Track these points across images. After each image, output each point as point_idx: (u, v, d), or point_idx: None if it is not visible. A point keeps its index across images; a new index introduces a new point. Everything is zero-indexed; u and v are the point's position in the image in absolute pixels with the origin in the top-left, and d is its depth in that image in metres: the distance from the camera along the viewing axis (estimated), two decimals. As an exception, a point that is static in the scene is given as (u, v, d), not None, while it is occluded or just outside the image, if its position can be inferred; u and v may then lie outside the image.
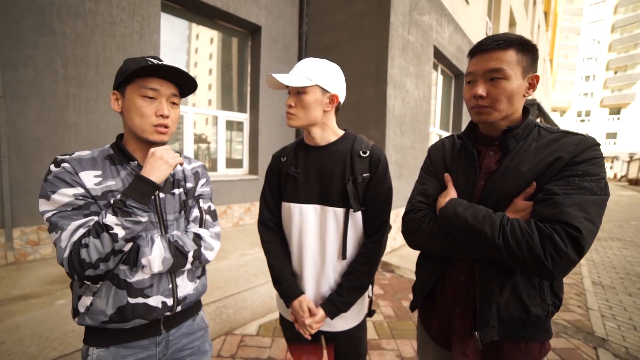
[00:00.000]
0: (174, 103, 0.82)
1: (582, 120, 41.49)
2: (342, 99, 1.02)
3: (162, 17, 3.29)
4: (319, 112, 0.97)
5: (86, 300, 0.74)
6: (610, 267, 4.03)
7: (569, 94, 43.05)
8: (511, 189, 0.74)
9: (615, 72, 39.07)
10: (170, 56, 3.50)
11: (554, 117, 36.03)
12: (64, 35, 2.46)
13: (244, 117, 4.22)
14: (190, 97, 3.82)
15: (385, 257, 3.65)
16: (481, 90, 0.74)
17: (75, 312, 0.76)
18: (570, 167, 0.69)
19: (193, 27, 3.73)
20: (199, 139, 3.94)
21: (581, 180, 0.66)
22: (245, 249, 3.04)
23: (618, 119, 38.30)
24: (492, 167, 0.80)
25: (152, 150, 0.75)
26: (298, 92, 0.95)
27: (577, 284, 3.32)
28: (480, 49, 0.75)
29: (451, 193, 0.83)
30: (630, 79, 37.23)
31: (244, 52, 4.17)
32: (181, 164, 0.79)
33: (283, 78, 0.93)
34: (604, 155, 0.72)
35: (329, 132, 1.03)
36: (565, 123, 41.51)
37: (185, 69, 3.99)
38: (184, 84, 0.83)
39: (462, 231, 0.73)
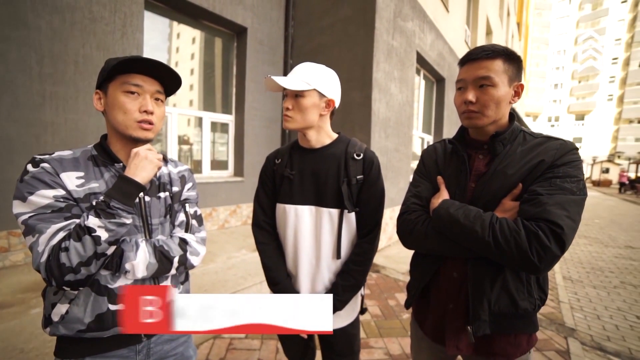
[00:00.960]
0: (158, 99, 0.79)
1: (552, 125, 44.25)
2: (337, 103, 1.05)
3: (147, 16, 3.21)
4: (315, 116, 1.00)
5: (61, 309, 0.70)
6: (578, 262, 4.32)
7: (540, 100, 45.77)
8: (499, 190, 0.79)
9: (579, 82, 42.03)
10: (150, 55, 3.40)
11: (528, 121, 38.13)
12: (39, 29, 2.33)
13: (229, 119, 4.17)
14: (172, 98, 3.73)
15: (371, 258, 3.71)
16: (471, 96, 0.80)
17: (48, 322, 0.71)
18: (552, 170, 0.74)
19: (174, 25, 3.64)
20: (183, 141, 3.85)
21: (562, 182, 0.72)
22: (232, 251, 3.00)
23: (583, 124, 41.19)
24: (481, 170, 0.85)
25: (135, 150, 0.73)
26: (296, 95, 0.97)
27: (550, 279, 3.52)
28: (470, 58, 0.81)
29: (444, 195, 0.87)
30: (592, 89, 40.23)
31: (229, 53, 4.13)
32: (159, 167, 0.77)
33: (283, 81, 0.94)
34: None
35: (323, 135, 1.06)
36: (538, 128, 44.07)
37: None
38: (169, 81, 0.81)
39: (454, 230, 0.78)
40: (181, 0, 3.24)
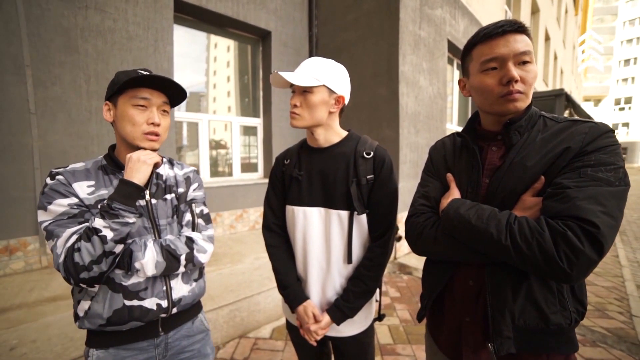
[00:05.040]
0: (164, 111, 0.85)
1: (622, 109, 38.20)
2: (347, 100, 1.00)
3: (180, 29, 3.44)
4: (324, 113, 0.95)
5: (84, 305, 0.78)
6: (658, 268, 3.64)
7: (604, 81, 39.86)
8: (518, 185, 0.68)
9: (660, 53, 35.71)
10: (186, 66, 3.64)
11: (587, 107, 33.47)
12: (87, 53, 2.63)
13: (257, 122, 4.30)
14: (211, 104, 3.96)
15: (402, 259, 3.54)
16: (517, 73, 0.67)
17: (76, 317, 0.80)
18: (582, 157, 0.62)
19: (210, 36, 3.87)
20: (214, 145, 4.05)
21: (595, 171, 0.60)
22: (260, 252, 3.07)
23: (665, 104, 34.94)
24: (495, 163, 0.74)
25: (128, 155, 0.78)
26: (304, 92, 0.93)
27: (617, 288, 3.03)
28: (505, 31, 0.68)
29: (454, 193, 0.77)
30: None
31: (255, 58, 4.25)
32: (158, 164, 0.82)
33: (290, 77, 0.90)
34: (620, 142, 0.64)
35: (332, 133, 1.01)
36: (601, 113, 38.48)
37: (199, 78, 3.96)
38: (174, 94, 0.85)
39: (466, 233, 0.68)
40: (206, 11, 3.41)
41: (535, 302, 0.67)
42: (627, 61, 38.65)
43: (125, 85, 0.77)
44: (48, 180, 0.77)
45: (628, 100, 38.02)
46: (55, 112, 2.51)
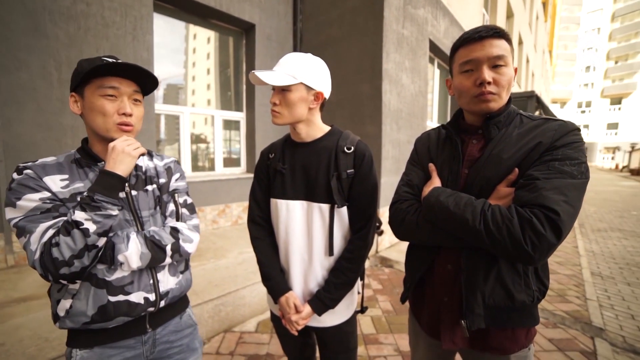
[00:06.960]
0: (136, 100, 0.81)
1: (583, 112, 41.18)
2: (327, 95, 1.02)
3: (159, 19, 3.29)
4: (304, 110, 0.97)
5: (65, 304, 0.74)
6: (610, 257, 4.03)
7: (569, 85, 42.71)
8: (494, 176, 0.75)
9: (616, 62, 38.66)
10: (167, 57, 3.50)
11: (554, 108, 35.74)
12: (57, 38, 2.46)
13: (240, 116, 4.23)
14: (189, 97, 3.83)
15: (384, 252, 3.66)
16: (489, 76, 0.74)
17: (56, 317, 0.75)
18: (551, 152, 0.70)
19: (190, 27, 3.73)
20: (196, 139, 3.95)
21: (561, 165, 0.67)
22: (243, 247, 3.05)
23: (619, 109, 37.99)
24: (475, 155, 0.81)
25: (111, 144, 0.73)
26: (282, 90, 0.94)
27: (576, 275, 3.33)
28: (481, 36, 0.74)
29: (435, 182, 0.84)
30: (632, 68, 36.81)
31: (238, 51, 4.17)
32: (143, 154, 0.79)
33: (266, 77, 0.91)
34: (584, 140, 0.73)
35: (314, 128, 1.03)
36: (566, 114, 41.29)
37: (177, 69, 3.82)
38: (146, 82, 0.82)
39: (444, 219, 0.74)
40: (188, 0, 3.29)
41: (504, 282, 0.75)
42: (587, 68, 41.55)
43: (89, 74, 0.72)
44: (15, 176, 0.72)
45: (588, 104, 41.04)
46: (21, 100, 2.34)
